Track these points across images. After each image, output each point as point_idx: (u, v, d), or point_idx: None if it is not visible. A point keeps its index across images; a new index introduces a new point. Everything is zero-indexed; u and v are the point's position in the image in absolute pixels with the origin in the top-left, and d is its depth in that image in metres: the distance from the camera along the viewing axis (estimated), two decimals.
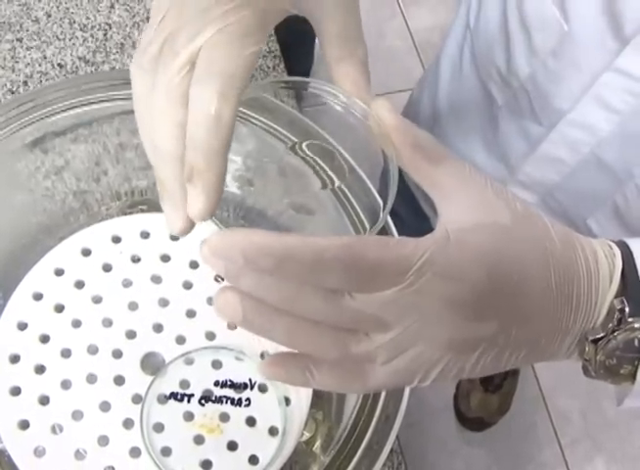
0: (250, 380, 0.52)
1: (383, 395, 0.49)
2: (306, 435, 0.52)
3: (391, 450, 0.53)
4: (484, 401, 1.55)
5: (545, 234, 0.35)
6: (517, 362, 0.36)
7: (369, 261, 0.30)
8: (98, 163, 0.66)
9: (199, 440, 0.50)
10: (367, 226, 0.53)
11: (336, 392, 0.54)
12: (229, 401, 0.51)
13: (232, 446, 0.51)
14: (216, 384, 0.51)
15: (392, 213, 0.54)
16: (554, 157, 0.63)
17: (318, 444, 0.52)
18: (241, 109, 0.37)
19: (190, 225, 0.36)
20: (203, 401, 0.51)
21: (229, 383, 0.51)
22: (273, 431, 0.51)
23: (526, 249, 0.35)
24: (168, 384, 0.51)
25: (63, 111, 0.55)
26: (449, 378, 0.35)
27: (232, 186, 0.48)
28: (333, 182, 0.42)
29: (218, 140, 0.34)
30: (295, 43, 1.14)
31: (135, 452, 0.50)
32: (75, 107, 0.55)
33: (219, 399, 0.51)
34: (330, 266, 0.30)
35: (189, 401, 0.51)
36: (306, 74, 1.79)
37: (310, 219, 0.60)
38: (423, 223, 0.90)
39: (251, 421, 0.51)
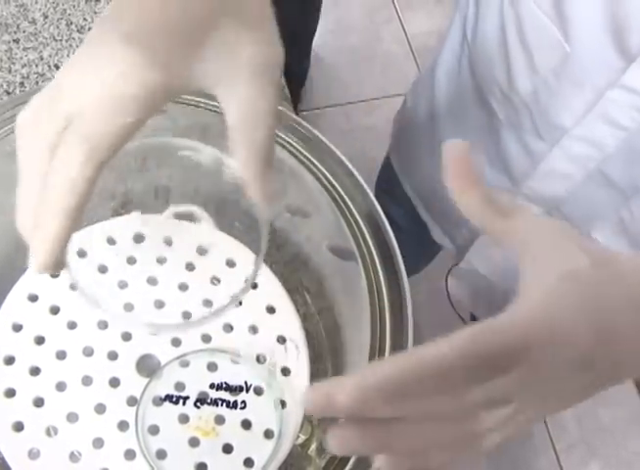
0: (245, 383, 0.51)
1: None
2: (302, 438, 0.52)
3: None
4: None
5: (629, 276, 0.36)
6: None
7: (484, 359, 0.30)
8: None
9: (194, 442, 0.50)
10: (364, 230, 0.53)
11: None
12: (224, 404, 0.51)
13: (227, 448, 0.50)
14: (212, 386, 0.51)
15: (391, 222, 0.54)
16: (558, 172, 0.63)
17: (314, 447, 0.52)
18: None
19: (49, 268, 0.35)
20: (198, 404, 0.51)
21: (224, 385, 0.51)
22: (268, 434, 0.51)
23: (616, 298, 0.35)
24: (164, 386, 0.51)
25: None
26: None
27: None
28: None
29: (63, 203, 0.33)
30: (289, 44, 1.14)
31: (130, 455, 0.50)
32: None
33: (215, 402, 0.51)
34: (456, 373, 0.30)
35: (184, 404, 0.51)
36: (303, 76, 1.79)
37: (306, 222, 0.60)
38: (421, 230, 0.90)
39: (246, 424, 0.51)
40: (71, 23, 0.77)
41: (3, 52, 0.75)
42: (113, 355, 0.52)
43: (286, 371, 0.53)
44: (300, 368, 0.53)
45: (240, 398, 0.51)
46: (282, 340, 0.54)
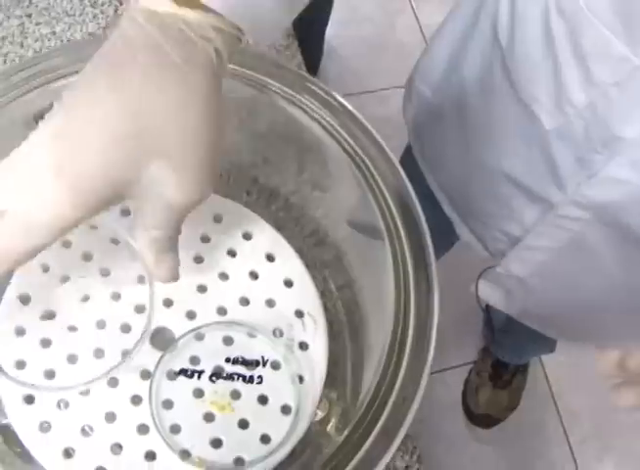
0: (262, 357, 0.50)
1: (401, 375, 0.48)
2: (320, 414, 0.50)
3: (406, 435, 0.52)
4: (493, 398, 1.54)
5: None
6: None
7: None
8: None
9: (209, 417, 0.49)
10: (391, 205, 0.51)
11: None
12: (240, 379, 0.49)
13: (243, 424, 0.49)
14: (227, 360, 0.50)
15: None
16: (616, 178, 0.60)
17: (332, 424, 0.50)
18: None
19: None
20: (213, 378, 0.49)
21: (241, 360, 0.50)
22: (286, 410, 0.49)
23: None
24: (178, 360, 0.50)
25: (69, 75, 0.53)
26: None
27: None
28: None
29: None
30: (303, 35, 1.12)
31: (143, 429, 0.48)
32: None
33: (230, 376, 0.49)
34: None
35: (199, 378, 0.49)
36: (316, 66, 1.77)
37: (325, 196, 0.58)
38: (441, 224, 0.89)
39: (262, 399, 0.50)
40: None
41: (15, 27, 0.73)
42: (125, 328, 0.51)
43: (303, 346, 0.51)
44: (319, 343, 0.52)
45: (256, 372, 0.50)
46: (300, 314, 0.52)
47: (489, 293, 0.86)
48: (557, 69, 0.60)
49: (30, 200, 0.36)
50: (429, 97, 0.86)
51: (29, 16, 0.73)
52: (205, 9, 0.36)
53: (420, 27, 2.00)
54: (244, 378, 0.49)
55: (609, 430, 1.57)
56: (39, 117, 0.63)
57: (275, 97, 0.52)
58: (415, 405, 0.47)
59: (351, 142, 0.51)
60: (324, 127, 0.52)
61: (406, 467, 0.57)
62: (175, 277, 0.45)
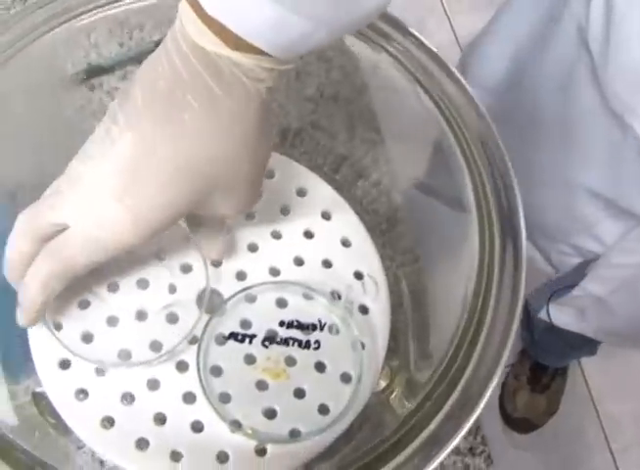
0: (319, 321, 0.46)
1: (477, 352, 0.43)
2: (382, 384, 0.46)
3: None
4: (532, 402, 1.48)
5: None
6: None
7: None
8: None
9: (262, 385, 0.45)
10: (482, 171, 0.46)
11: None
12: (296, 344, 0.45)
13: (299, 393, 0.45)
14: (281, 324, 0.46)
15: None
16: None
17: (395, 394, 0.46)
18: None
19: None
20: (266, 343, 0.45)
21: (296, 323, 0.45)
22: (345, 378, 0.45)
23: None
24: (228, 323, 0.46)
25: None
26: None
27: None
28: None
29: (37, 298, 0.40)
30: None
31: (189, 398, 0.44)
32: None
33: (285, 341, 0.45)
34: None
35: (251, 343, 0.45)
36: None
37: (385, 158, 0.54)
38: None
39: (320, 367, 0.45)
40: None
41: None
42: (171, 289, 0.47)
43: (364, 310, 0.47)
44: (380, 307, 0.47)
45: (313, 337, 0.45)
46: (359, 276, 0.48)
47: (560, 316, 0.84)
48: None
49: (94, 220, 0.38)
50: (488, 103, 0.81)
51: None
52: (256, 50, 0.34)
53: (451, 27, 1.96)
54: (299, 343, 0.45)
55: None
56: (82, 76, 0.60)
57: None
58: (497, 376, 0.42)
59: (434, 86, 0.47)
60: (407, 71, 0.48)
61: (470, 449, 0.52)
62: (223, 257, 0.48)
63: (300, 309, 0.46)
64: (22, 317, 0.42)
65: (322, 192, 0.50)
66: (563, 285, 0.81)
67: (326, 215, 0.49)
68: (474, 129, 0.47)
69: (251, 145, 0.38)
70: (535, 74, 0.70)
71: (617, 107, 0.60)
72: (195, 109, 0.36)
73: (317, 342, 0.45)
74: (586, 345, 1.09)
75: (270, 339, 0.45)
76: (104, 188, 0.37)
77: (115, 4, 0.53)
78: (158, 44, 0.63)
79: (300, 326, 0.45)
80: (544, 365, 1.48)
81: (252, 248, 0.48)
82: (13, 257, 0.40)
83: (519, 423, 1.49)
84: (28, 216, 0.40)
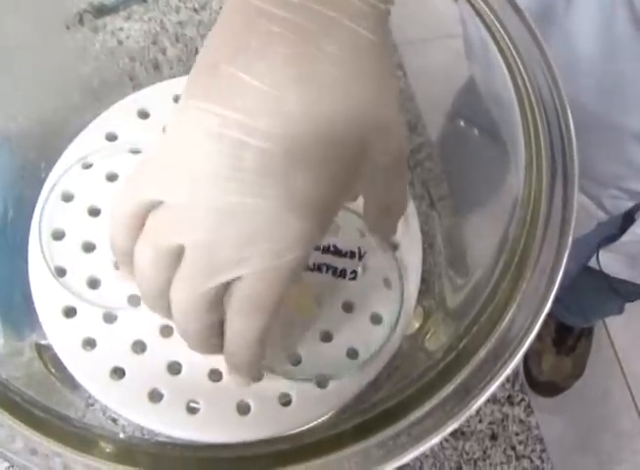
0: (358, 249, 0.41)
1: (519, 297, 0.38)
2: (415, 325, 0.42)
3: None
4: (557, 364, 1.45)
5: None
6: None
7: None
8: (155, 41, 0.58)
9: (286, 328, 0.41)
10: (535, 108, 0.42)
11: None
12: (330, 271, 0.41)
13: (326, 336, 0.41)
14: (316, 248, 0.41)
15: None
16: None
17: (429, 335, 0.42)
18: None
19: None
20: None
21: (332, 249, 0.41)
22: (376, 319, 0.41)
23: None
24: None
25: None
26: None
27: None
28: None
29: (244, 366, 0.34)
30: None
31: None
32: None
33: (318, 268, 0.41)
34: None
35: None
36: None
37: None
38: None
39: (348, 306, 0.41)
40: None
41: None
42: None
43: (394, 246, 0.43)
44: (411, 242, 0.43)
45: (350, 266, 0.41)
46: None
47: (611, 263, 0.81)
48: None
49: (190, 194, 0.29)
50: None
51: None
52: None
53: None
54: (334, 271, 0.41)
55: None
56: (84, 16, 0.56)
57: None
58: (537, 325, 0.38)
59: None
60: None
61: (509, 397, 0.48)
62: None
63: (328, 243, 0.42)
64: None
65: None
66: (611, 232, 0.77)
67: None
68: (525, 53, 0.43)
69: (390, 82, 0.31)
70: (571, 18, 0.66)
71: None
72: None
73: (354, 272, 0.41)
74: (611, 298, 1.05)
75: None
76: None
77: None
78: None
79: (337, 252, 0.41)
80: (569, 326, 1.44)
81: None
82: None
83: (544, 386, 1.45)
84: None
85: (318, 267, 0.40)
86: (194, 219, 0.28)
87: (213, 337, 0.32)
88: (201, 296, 0.30)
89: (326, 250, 0.41)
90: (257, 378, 0.36)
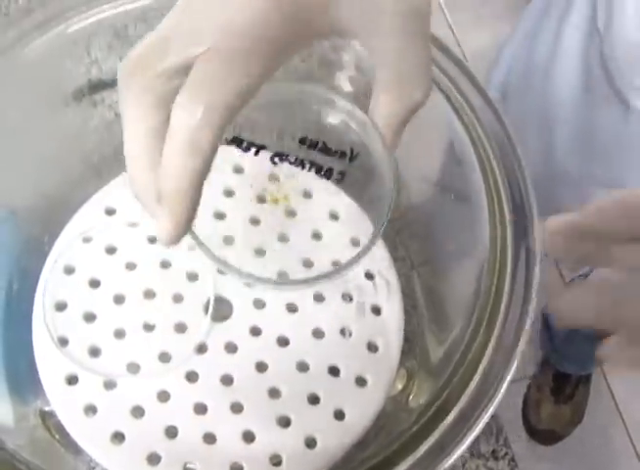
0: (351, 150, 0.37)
1: (490, 347, 0.41)
2: (399, 386, 0.45)
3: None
4: (556, 413, 1.46)
5: None
6: None
7: None
8: None
9: (273, 393, 0.43)
10: (494, 165, 0.45)
11: None
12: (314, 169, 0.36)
13: (314, 400, 0.43)
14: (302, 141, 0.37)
15: None
16: None
17: (413, 396, 0.44)
18: None
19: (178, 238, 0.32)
20: (276, 160, 0.37)
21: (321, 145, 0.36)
22: (360, 381, 0.44)
23: None
24: (236, 331, 0.44)
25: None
26: None
27: None
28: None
29: (187, 171, 0.29)
30: None
31: (200, 409, 0.43)
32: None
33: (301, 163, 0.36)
34: None
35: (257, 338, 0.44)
36: None
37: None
38: None
39: (334, 370, 0.44)
40: None
41: None
42: (177, 298, 0.45)
43: (376, 310, 0.46)
44: (393, 306, 0.46)
45: (338, 167, 0.37)
46: (370, 276, 0.47)
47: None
48: None
49: (234, 18, 0.29)
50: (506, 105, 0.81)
51: None
52: None
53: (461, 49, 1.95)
54: (318, 169, 0.37)
55: None
56: (83, 92, 0.59)
57: None
58: (506, 380, 0.41)
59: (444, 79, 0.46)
60: None
61: (493, 452, 0.50)
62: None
63: (310, 313, 0.45)
64: (166, 227, 0.31)
65: (329, 192, 0.49)
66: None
67: (334, 216, 0.48)
68: (489, 128, 0.46)
69: None
70: (551, 70, 0.71)
71: (620, 84, 0.61)
72: None
73: (341, 173, 0.37)
74: None
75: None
76: None
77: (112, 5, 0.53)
78: None
79: (326, 150, 0.36)
80: (567, 374, 1.45)
81: (259, 252, 0.47)
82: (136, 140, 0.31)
83: (544, 435, 1.46)
84: (133, 84, 0.30)
85: (301, 162, 0.36)
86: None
87: (157, 147, 0.30)
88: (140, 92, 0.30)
89: (313, 146, 0.37)
90: (186, 232, 0.32)
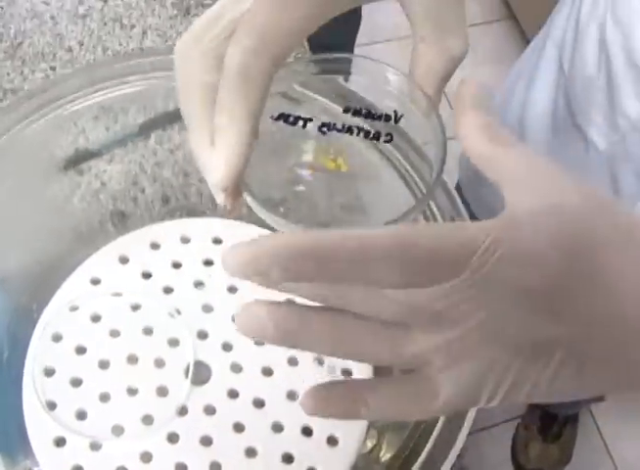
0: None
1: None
2: (369, 445, 0.47)
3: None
4: (544, 452, 1.47)
5: (626, 219, 0.31)
6: (607, 386, 0.31)
7: (424, 251, 0.26)
8: (135, 182, 0.64)
9: (250, 453, 0.46)
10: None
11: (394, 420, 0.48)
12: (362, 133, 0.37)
13: (288, 458, 0.46)
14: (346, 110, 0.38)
15: None
16: None
17: (383, 452, 0.47)
18: None
19: (231, 180, 0.32)
20: (324, 129, 0.37)
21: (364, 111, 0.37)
22: (332, 441, 0.46)
23: (607, 236, 0.29)
24: (214, 393, 0.47)
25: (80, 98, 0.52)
26: (522, 396, 0.29)
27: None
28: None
29: (241, 100, 0.31)
30: None
31: (181, 469, 0.45)
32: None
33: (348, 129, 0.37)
34: (379, 262, 0.26)
35: (233, 405, 0.47)
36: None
37: (364, 221, 0.56)
38: None
39: (307, 431, 0.46)
40: (107, 49, 0.76)
41: (40, 79, 0.73)
42: (159, 363, 0.48)
43: (347, 372, 0.49)
44: (362, 369, 0.49)
45: (385, 129, 0.37)
46: None
47: None
48: (611, 82, 0.59)
49: None
50: None
51: (54, 68, 0.73)
52: None
53: None
54: (367, 133, 0.37)
55: None
56: (70, 162, 0.62)
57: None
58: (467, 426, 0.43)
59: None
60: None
61: None
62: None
63: (287, 375, 0.48)
64: (219, 166, 0.32)
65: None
66: None
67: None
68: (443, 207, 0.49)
69: None
70: (530, 109, 0.74)
71: (580, 121, 0.64)
72: None
73: (389, 134, 0.37)
74: None
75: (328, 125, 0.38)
76: None
77: (101, 92, 0.56)
78: (142, 127, 0.66)
79: (371, 115, 0.37)
80: (554, 414, 1.47)
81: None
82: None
83: None
84: (192, 52, 0.33)
85: (349, 129, 0.37)
86: None
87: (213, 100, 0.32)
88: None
89: (357, 112, 0.37)
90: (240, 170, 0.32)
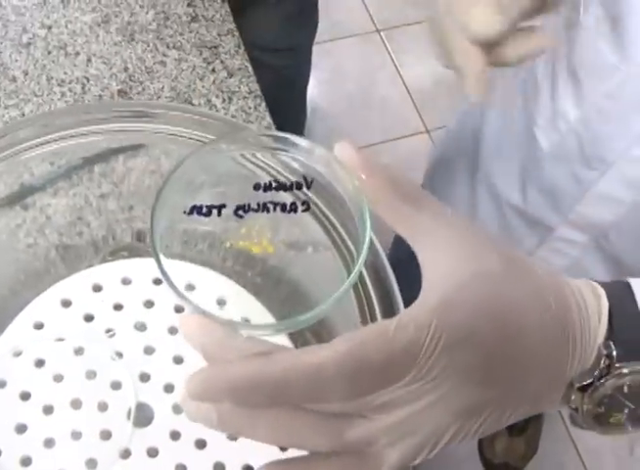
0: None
1: None
2: None
3: None
4: (510, 446, 1.50)
5: (536, 278, 0.33)
6: (517, 418, 0.34)
7: (376, 365, 0.29)
8: (80, 216, 0.65)
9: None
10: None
11: None
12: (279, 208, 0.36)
13: None
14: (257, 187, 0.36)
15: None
16: (609, 196, 0.61)
17: None
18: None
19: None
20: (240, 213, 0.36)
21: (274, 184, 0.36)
22: None
23: (523, 298, 0.32)
24: (158, 436, 0.48)
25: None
26: (454, 444, 0.33)
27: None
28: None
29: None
30: (286, 96, 1.11)
31: None
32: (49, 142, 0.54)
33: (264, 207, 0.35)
34: (330, 386, 0.29)
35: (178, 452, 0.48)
36: (301, 128, 1.77)
37: (301, 257, 0.57)
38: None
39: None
40: (52, 78, 0.76)
41: None
42: (102, 407, 0.49)
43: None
44: None
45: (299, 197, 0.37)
46: None
47: None
48: (554, 85, 0.61)
49: None
50: (451, 128, 0.87)
51: None
52: None
53: (402, 81, 2.01)
54: (283, 207, 0.36)
55: (630, 466, 1.53)
56: (15, 197, 0.63)
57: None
58: None
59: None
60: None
61: None
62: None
63: None
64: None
65: (242, 299, 0.53)
66: None
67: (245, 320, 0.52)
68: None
69: None
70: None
71: (529, 123, 0.67)
72: None
73: (305, 203, 0.36)
74: None
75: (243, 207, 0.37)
76: None
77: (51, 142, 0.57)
78: (85, 160, 0.66)
79: (282, 186, 0.36)
80: None
81: (178, 360, 0.51)
82: None
83: (500, 468, 1.50)
84: None
85: (264, 206, 0.35)
86: None
87: None
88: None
89: (268, 187, 0.36)
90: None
